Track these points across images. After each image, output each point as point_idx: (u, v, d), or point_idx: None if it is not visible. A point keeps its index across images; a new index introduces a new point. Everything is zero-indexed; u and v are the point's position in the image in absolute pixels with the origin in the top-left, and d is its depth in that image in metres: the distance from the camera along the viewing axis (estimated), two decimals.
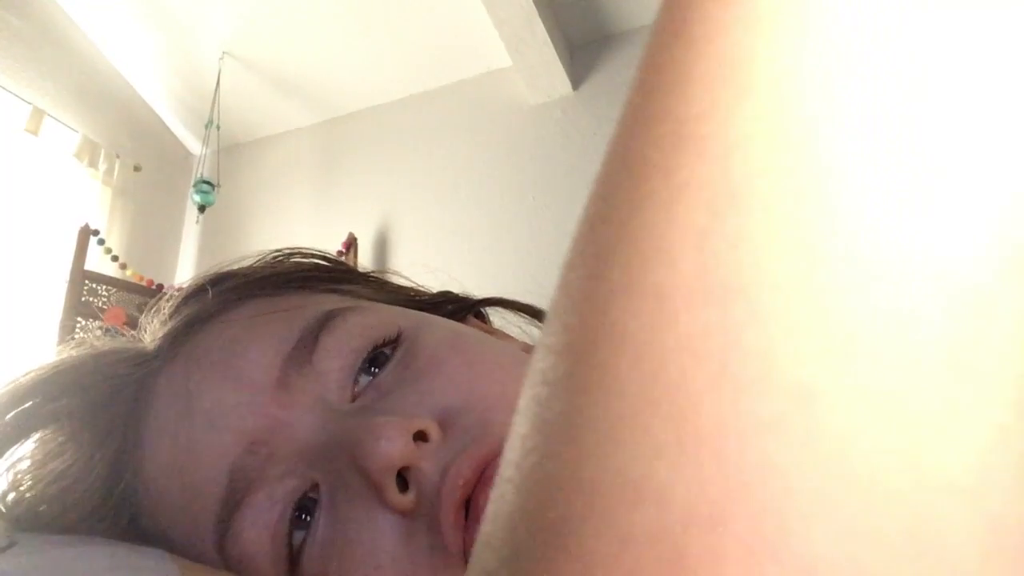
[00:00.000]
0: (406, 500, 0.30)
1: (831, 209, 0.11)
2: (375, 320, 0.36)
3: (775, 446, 0.10)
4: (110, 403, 0.36)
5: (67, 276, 2.15)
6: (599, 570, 0.10)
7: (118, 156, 2.53)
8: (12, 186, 2.24)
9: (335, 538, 0.31)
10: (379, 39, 2.36)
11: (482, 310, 0.47)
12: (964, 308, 0.11)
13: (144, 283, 2.34)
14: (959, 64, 0.11)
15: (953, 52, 0.11)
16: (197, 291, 0.39)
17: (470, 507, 0.30)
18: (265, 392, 0.33)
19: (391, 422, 0.30)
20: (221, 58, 2.50)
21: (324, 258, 0.44)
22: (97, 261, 2.31)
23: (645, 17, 2.10)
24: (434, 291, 0.46)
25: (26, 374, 0.36)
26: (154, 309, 0.41)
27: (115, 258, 2.38)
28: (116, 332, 0.42)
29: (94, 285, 2.19)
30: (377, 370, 0.35)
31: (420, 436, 0.31)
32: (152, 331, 0.39)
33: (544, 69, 2.18)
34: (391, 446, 0.30)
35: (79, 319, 2.10)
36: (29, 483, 0.35)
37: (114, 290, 2.23)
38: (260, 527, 0.32)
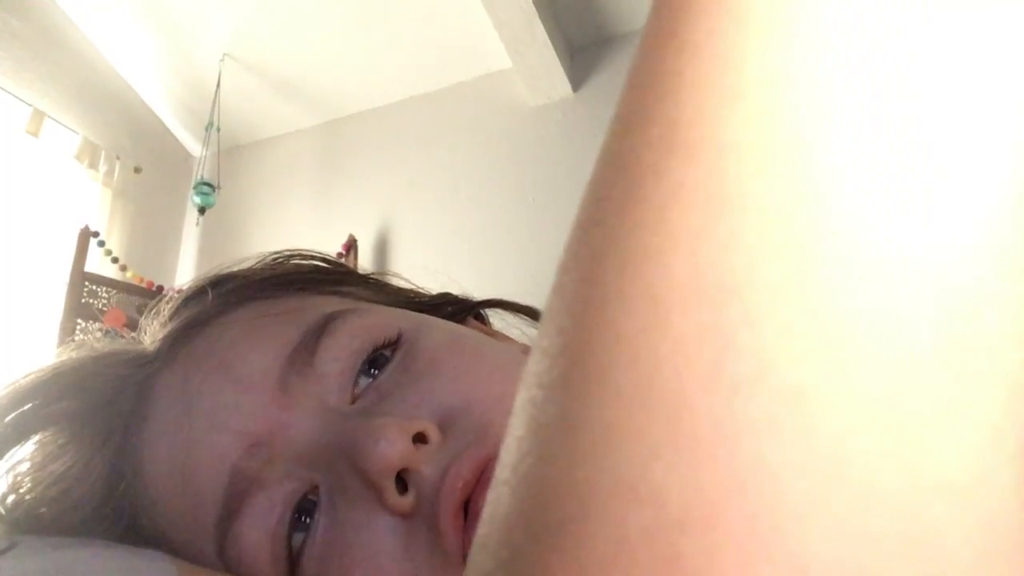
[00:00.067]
0: (405, 502, 0.30)
1: (823, 211, 0.11)
2: (375, 322, 0.36)
3: (769, 447, 0.10)
4: (110, 405, 0.36)
5: (67, 278, 2.15)
6: (595, 571, 0.10)
7: (118, 158, 2.54)
8: (12, 188, 2.24)
9: (335, 540, 0.31)
10: (379, 41, 2.36)
11: (482, 312, 0.47)
12: (955, 309, 0.11)
13: (144, 285, 2.34)
14: (948, 67, 0.11)
15: (940, 55, 0.11)
16: (197, 293, 0.39)
17: (469, 509, 0.30)
18: (265, 394, 0.33)
19: (390, 424, 0.30)
20: (221, 60, 2.51)
21: (324, 260, 0.44)
22: (97, 263, 2.31)
23: (645, 19, 2.10)
24: (434, 293, 0.46)
25: (26, 376, 0.36)
26: (154, 311, 0.41)
27: (115, 260, 2.38)
28: (116, 334, 0.42)
29: (94, 287, 2.19)
30: (377, 372, 0.35)
31: (419, 438, 0.31)
32: (152, 333, 0.39)
33: (544, 71, 2.18)
34: (390, 448, 0.30)
35: (79, 321, 2.10)
36: (29, 485, 0.35)
37: (114, 292, 2.23)
38: (260, 529, 0.32)
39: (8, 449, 0.35)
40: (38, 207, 2.31)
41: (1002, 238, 0.11)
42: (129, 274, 2.39)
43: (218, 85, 2.50)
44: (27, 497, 0.35)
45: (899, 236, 0.11)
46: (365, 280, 0.44)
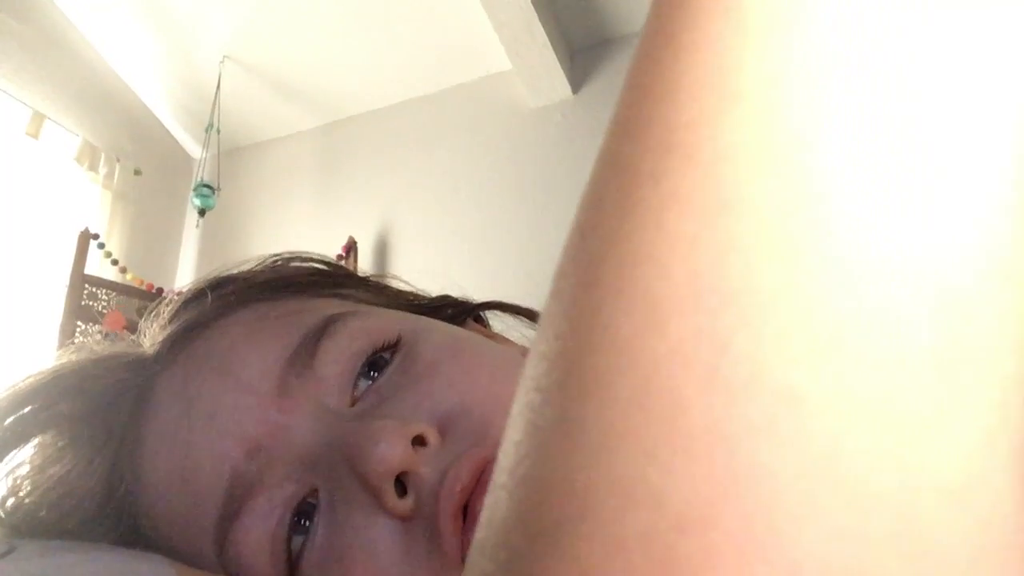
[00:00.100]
0: (405, 505, 0.30)
1: (819, 215, 0.11)
2: (374, 325, 0.35)
3: (765, 449, 0.10)
4: (109, 408, 0.36)
5: (67, 280, 2.15)
6: (593, 573, 0.10)
7: (118, 160, 2.54)
8: (12, 190, 2.25)
9: (334, 543, 0.31)
10: (379, 43, 2.36)
11: (482, 314, 0.47)
12: (949, 311, 0.11)
13: (144, 287, 2.34)
14: (945, 69, 0.11)
15: (938, 58, 0.11)
16: (197, 295, 0.39)
17: (468, 511, 0.30)
18: (265, 397, 0.33)
19: (389, 426, 0.30)
20: (221, 62, 2.51)
21: (324, 262, 0.44)
22: (97, 265, 2.32)
23: (645, 21, 2.10)
24: (433, 295, 0.46)
25: (25, 379, 0.36)
26: (154, 313, 0.41)
27: (115, 262, 2.38)
28: (116, 336, 0.42)
29: (94, 289, 2.19)
30: (376, 374, 0.34)
31: (419, 441, 0.31)
32: (152, 335, 0.39)
33: (544, 72, 2.18)
34: (389, 451, 0.30)
35: (79, 323, 2.10)
36: (28, 488, 0.35)
37: (114, 294, 2.23)
38: (259, 532, 0.32)
39: (8, 452, 0.35)
40: (38, 209, 2.31)
41: (998, 241, 0.11)
42: (129, 276, 2.39)
43: (218, 87, 2.50)
44: (26, 500, 0.35)
45: (895, 239, 0.11)
46: (365, 282, 0.44)
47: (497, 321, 0.48)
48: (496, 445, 0.30)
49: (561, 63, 2.17)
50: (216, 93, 2.51)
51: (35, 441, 0.36)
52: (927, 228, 0.11)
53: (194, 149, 2.82)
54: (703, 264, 0.11)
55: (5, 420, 0.35)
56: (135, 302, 2.23)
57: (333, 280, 0.43)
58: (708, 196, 0.11)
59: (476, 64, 2.37)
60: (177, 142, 2.89)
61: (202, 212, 2.41)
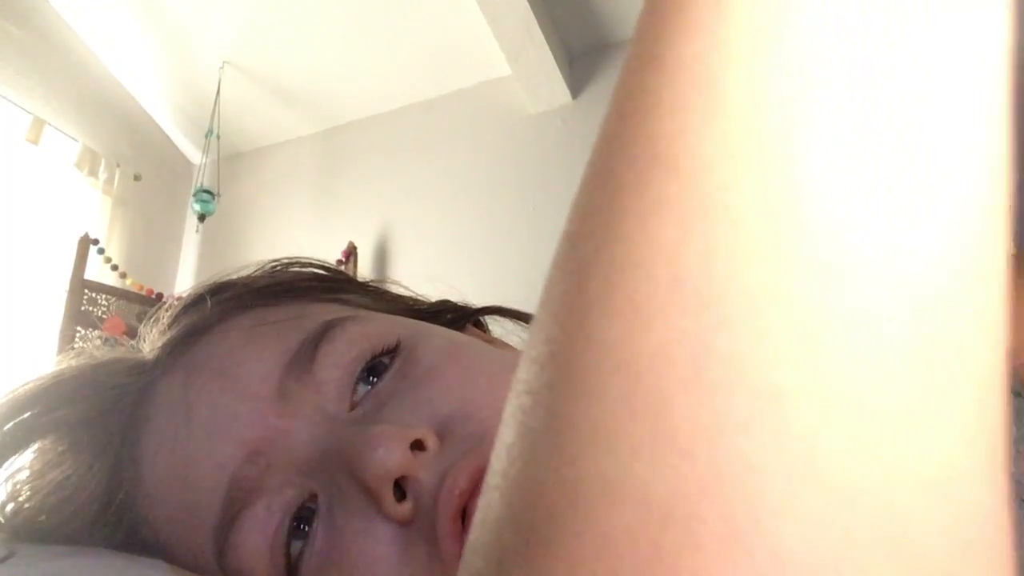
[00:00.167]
0: (403, 509, 0.30)
1: (796, 220, 0.11)
2: (374, 329, 0.36)
3: (746, 444, 0.11)
4: (109, 413, 0.36)
5: (67, 285, 2.15)
6: (582, 568, 0.11)
7: (118, 165, 2.54)
8: (12, 195, 2.25)
9: (333, 548, 0.31)
10: (379, 48, 2.37)
11: (481, 319, 0.47)
12: (926, 310, 0.11)
13: (144, 292, 2.34)
14: (914, 83, 0.12)
15: (907, 73, 0.12)
16: (196, 301, 0.39)
17: (467, 516, 0.30)
18: (264, 402, 0.33)
19: (388, 431, 0.30)
20: (221, 67, 2.51)
21: (323, 267, 0.45)
22: (97, 270, 2.32)
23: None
24: (433, 300, 0.46)
25: (25, 384, 0.36)
26: (153, 318, 0.41)
27: (115, 267, 2.38)
28: (115, 342, 0.42)
29: (94, 294, 2.19)
30: (376, 379, 0.35)
31: (417, 445, 0.31)
32: (151, 341, 0.39)
33: (543, 78, 2.19)
34: (388, 455, 0.30)
35: (78, 328, 2.10)
36: (28, 493, 0.35)
37: (113, 299, 2.23)
38: (258, 537, 0.32)
39: (7, 457, 0.35)
40: (38, 215, 2.31)
41: (971, 242, 0.12)
42: (129, 282, 2.39)
43: (218, 93, 2.51)
44: (26, 505, 0.35)
45: (872, 241, 0.11)
46: (364, 287, 0.44)
47: (496, 326, 0.48)
48: None
49: (560, 68, 2.17)
50: (216, 98, 2.51)
51: (35, 446, 0.36)
52: (904, 230, 0.11)
53: (194, 155, 2.83)
54: (686, 268, 0.12)
55: (5, 425, 0.35)
56: (135, 307, 2.23)
57: (332, 285, 0.43)
58: (690, 204, 0.12)
59: (475, 70, 2.38)
60: (177, 148, 2.89)
61: (202, 217, 2.41)
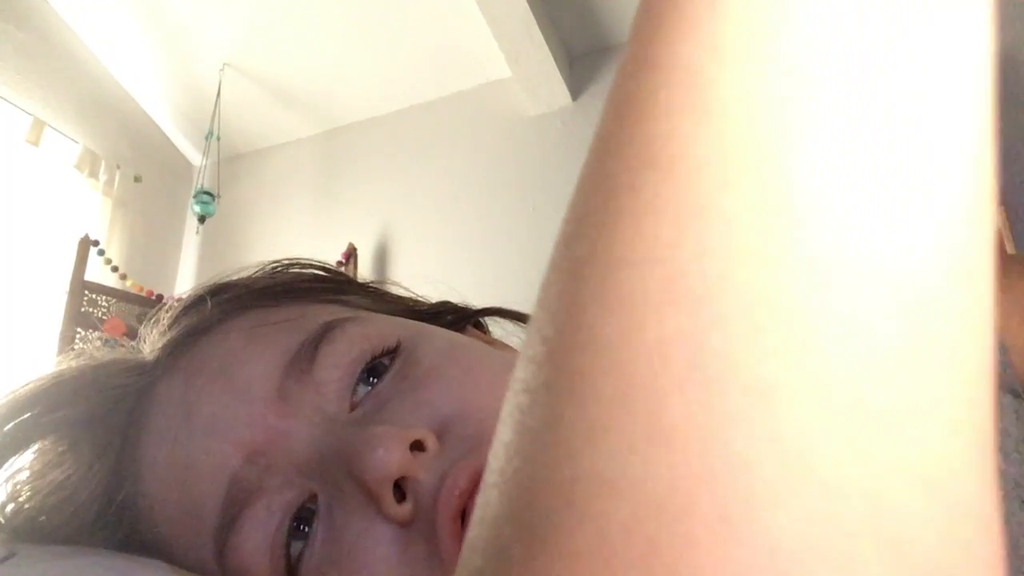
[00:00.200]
0: (403, 510, 0.30)
1: (789, 219, 0.12)
2: (374, 330, 0.36)
3: (739, 439, 0.11)
4: (109, 413, 0.36)
5: (67, 287, 2.15)
6: (579, 563, 0.11)
7: (119, 167, 2.54)
8: (13, 197, 2.25)
9: (333, 549, 0.31)
10: (379, 50, 2.37)
11: (481, 320, 0.47)
12: (916, 308, 0.11)
13: (144, 294, 2.34)
14: (904, 86, 0.12)
15: (896, 76, 0.12)
16: (196, 302, 0.40)
17: (466, 516, 0.30)
18: (264, 403, 0.33)
19: (388, 432, 0.30)
20: (222, 69, 2.51)
21: (323, 268, 0.45)
22: (97, 272, 2.32)
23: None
24: (433, 301, 0.46)
25: (25, 385, 0.36)
26: (153, 320, 0.41)
27: (115, 269, 2.38)
28: (115, 343, 0.42)
29: (94, 296, 2.19)
30: (376, 380, 0.35)
31: (417, 446, 0.31)
32: (151, 342, 0.39)
33: (543, 80, 2.19)
34: (388, 456, 0.30)
35: (79, 330, 2.10)
36: (28, 494, 0.35)
37: (114, 301, 2.23)
38: (258, 538, 0.32)
39: (8, 458, 0.35)
40: (38, 216, 2.31)
41: (960, 242, 0.12)
42: (129, 283, 2.39)
43: (218, 94, 2.51)
44: (26, 506, 0.35)
45: (863, 241, 0.11)
46: (364, 288, 0.44)
47: (497, 327, 0.48)
48: None
49: (560, 70, 2.17)
50: (216, 100, 2.51)
51: (35, 447, 0.36)
52: (896, 229, 0.12)
53: (194, 156, 2.83)
54: (679, 267, 0.12)
55: (5, 426, 0.35)
56: (135, 308, 2.23)
57: (333, 286, 0.43)
58: (684, 204, 0.12)
59: (476, 71, 2.38)
60: (177, 149, 2.89)
61: (202, 219, 2.41)
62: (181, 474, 0.33)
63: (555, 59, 2.13)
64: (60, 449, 0.36)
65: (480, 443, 0.31)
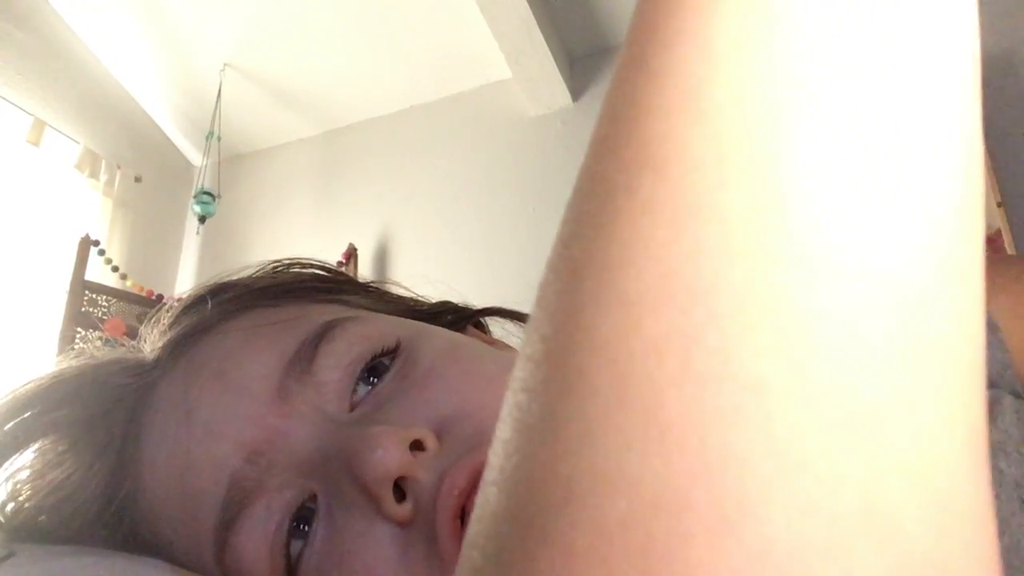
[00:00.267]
0: (403, 510, 0.30)
1: (782, 218, 0.12)
2: (374, 330, 0.36)
3: (734, 435, 0.11)
4: (109, 413, 0.36)
5: (67, 286, 2.15)
6: (577, 558, 0.11)
7: (119, 167, 2.54)
8: (13, 197, 2.25)
9: (333, 548, 0.31)
10: (380, 51, 2.37)
11: (481, 320, 0.47)
12: (908, 306, 0.12)
13: (144, 293, 2.34)
14: (892, 85, 0.12)
15: (885, 76, 0.12)
16: (196, 301, 0.40)
17: (466, 516, 0.30)
18: (264, 402, 0.33)
19: (387, 432, 0.30)
20: (222, 70, 2.51)
21: (324, 268, 0.45)
22: (97, 272, 2.32)
23: None
24: (433, 301, 0.46)
25: (25, 384, 0.36)
26: (153, 319, 0.41)
27: (115, 268, 2.38)
28: (115, 343, 0.42)
29: (94, 295, 2.19)
30: (376, 380, 0.35)
31: (417, 446, 0.31)
32: (151, 341, 0.40)
33: (544, 81, 2.19)
34: (387, 456, 0.30)
35: (79, 329, 2.10)
36: (28, 493, 0.35)
37: (114, 300, 2.23)
38: (258, 537, 0.32)
39: (8, 457, 0.35)
40: (39, 216, 2.31)
41: (950, 239, 0.12)
42: (129, 283, 2.39)
43: (219, 95, 2.51)
44: (26, 505, 0.35)
45: (855, 239, 0.12)
46: (365, 288, 0.44)
47: (497, 327, 0.48)
48: None
49: (561, 71, 2.17)
50: (217, 101, 2.51)
51: (35, 446, 0.36)
52: (888, 228, 0.12)
53: (195, 156, 2.83)
54: (675, 266, 0.12)
55: (5, 425, 0.35)
56: (135, 308, 2.23)
57: (333, 286, 0.43)
58: (679, 204, 0.12)
59: (476, 72, 2.38)
60: (178, 149, 2.89)
61: (202, 219, 2.41)
62: (181, 473, 0.33)
63: (555, 60, 2.14)
64: (60, 448, 0.36)
65: (480, 442, 0.31)
